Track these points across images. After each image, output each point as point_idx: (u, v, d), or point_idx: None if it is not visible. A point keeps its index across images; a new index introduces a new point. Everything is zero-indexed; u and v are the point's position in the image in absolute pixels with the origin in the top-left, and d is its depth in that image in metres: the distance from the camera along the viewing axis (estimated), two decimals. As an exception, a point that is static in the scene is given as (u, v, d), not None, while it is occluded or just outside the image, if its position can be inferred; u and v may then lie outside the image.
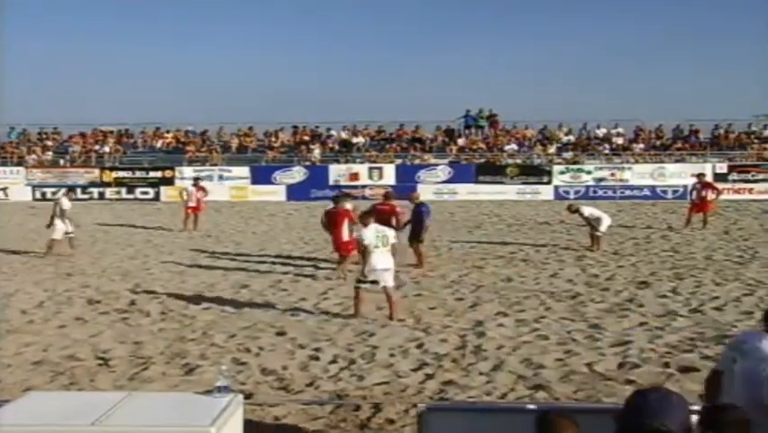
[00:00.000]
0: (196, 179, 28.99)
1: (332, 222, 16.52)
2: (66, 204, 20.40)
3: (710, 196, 24.40)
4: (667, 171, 35.60)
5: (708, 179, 26.47)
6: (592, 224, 20.05)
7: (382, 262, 12.38)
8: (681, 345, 10.62)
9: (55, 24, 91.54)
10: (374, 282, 12.44)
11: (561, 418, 3.80)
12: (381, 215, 16.83)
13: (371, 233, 12.47)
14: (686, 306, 13.17)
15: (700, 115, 49.84)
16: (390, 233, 12.84)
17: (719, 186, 27.59)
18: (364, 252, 12.40)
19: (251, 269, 17.51)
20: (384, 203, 17.42)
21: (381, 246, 12.41)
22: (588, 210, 20.53)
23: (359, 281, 12.57)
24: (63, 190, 23.23)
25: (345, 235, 16.19)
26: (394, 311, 12.46)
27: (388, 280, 12.46)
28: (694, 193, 24.80)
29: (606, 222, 20.01)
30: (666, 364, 9.76)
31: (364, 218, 13.01)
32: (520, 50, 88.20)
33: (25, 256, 19.59)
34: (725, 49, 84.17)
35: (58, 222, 19.99)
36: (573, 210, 20.77)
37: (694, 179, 26.09)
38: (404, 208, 17.74)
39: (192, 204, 25.78)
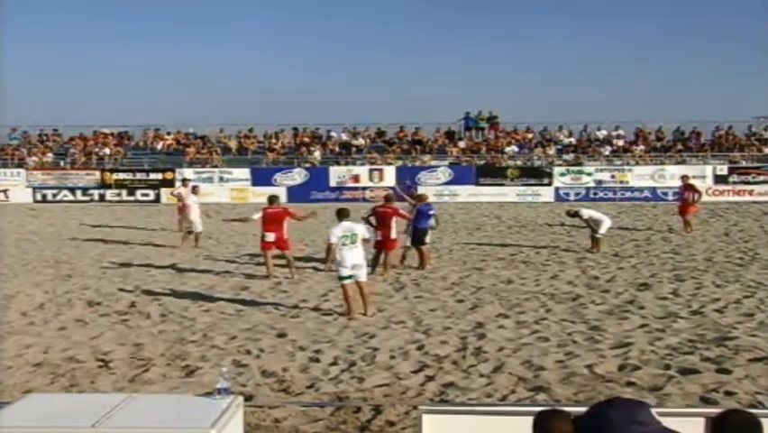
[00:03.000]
0: (185, 180, 29.30)
1: (276, 220, 16.69)
2: (193, 200, 21.99)
3: (691, 198, 24.25)
4: (668, 173, 35.58)
5: (693, 181, 26.30)
6: (592, 226, 20.06)
7: (353, 258, 12.73)
8: (682, 347, 10.61)
9: (55, 26, 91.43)
10: (350, 277, 12.75)
11: (560, 422, 3.77)
12: (384, 217, 16.90)
13: (339, 231, 12.80)
14: (687, 308, 13.17)
15: (701, 117, 49.81)
16: (361, 229, 13.21)
17: (702, 187, 27.76)
18: (328, 248, 12.90)
19: (251, 271, 17.50)
20: (385, 206, 17.42)
21: (350, 243, 12.74)
22: (587, 212, 20.55)
23: (341, 279, 12.87)
24: (190, 189, 24.11)
25: (286, 233, 16.88)
26: (368, 307, 12.92)
27: (361, 276, 12.85)
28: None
29: (606, 224, 20.02)
30: (667, 366, 9.76)
31: (341, 215, 13.22)
32: (520, 52, 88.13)
33: (24, 259, 19.59)
34: (725, 50, 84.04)
35: (194, 217, 21.66)
36: (572, 214, 20.80)
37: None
38: (404, 210, 17.77)
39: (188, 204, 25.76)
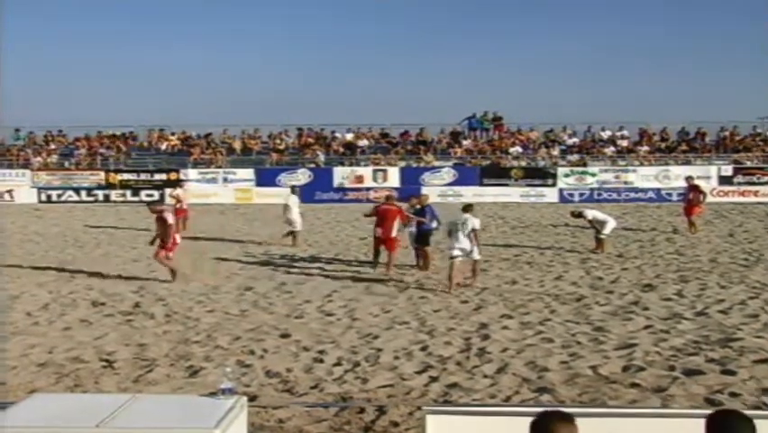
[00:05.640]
0: (181, 181, 29.46)
1: (162, 222, 16.56)
2: (293, 200, 22.42)
3: (695, 199, 24.08)
4: (672, 174, 35.49)
5: (698, 181, 26.18)
6: (596, 226, 20.05)
7: (460, 242, 15.09)
8: (687, 348, 10.61)
9: (60, 27, 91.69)
10: (459, 256, 15.09)
11: (562, 423, 3.72)
12: (386, 216, 16.92)
13: (455, 219, 15.55)
14: (691, 309, 13.15)
15: (706, 117, 49.71)
16: (471, 221, 15.33)
17: (707, 188, 27.80)
18: (450, 233, 15.54)
19: (255, 271, 17.51)
20: (387, 204, 17.52)
21: (460, 230, 15.13)
22: (591, 213, 20.53)
23: (451, 257, 15.11)
24: (290, 189, 24.73)
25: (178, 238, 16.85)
26: (475, 278, 15.58)
27: (468, 255, 15.24)
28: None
29: (610, 225, 19.99)
30: (671, 367, 9.75)
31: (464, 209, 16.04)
32: (524, 52, 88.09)
33: (29, 259, 19.61)
34: (730, 50, 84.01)
35: (294, 216, 21.97)
36: (576, 214, 20.78)
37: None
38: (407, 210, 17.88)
39: (185, 207, 25.88)
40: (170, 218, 16.57)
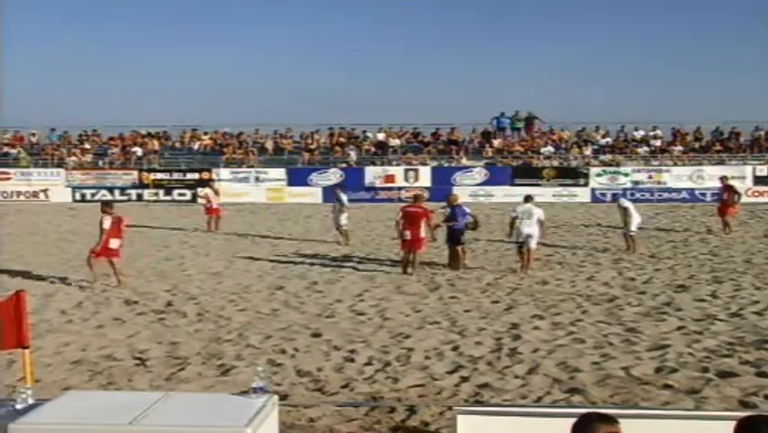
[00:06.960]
0: (210, 181, 29.67)
1: (120, 227, 16.42)
2: (344, 198, 22.97)
3: (730, 199, 23.82)
4: (706, 174, 35.09)
5: (732, 181, 25.81)
6: (625, 219, 19.91)
7: (526, 230, 16.74)
8: (720, 350, 10.49)
9: (95, 29, 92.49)
10: (523, 244, 16.79)
11: (603, 424, 3.67)
12: (414, 217, 16.88)
13: (519, 209, 17.22)
14: (725, 310, 13.01)
15: (740, 117, 49.00)
16: (537, 212, 17.01)
17: (741, 188, 27.50)
18: (510, 222, 17.23)
19: (286, 270, 17.58)
20: (415, 205, 17.49)
21: (526, 219, 16.78)
22: (626, 203, 20.60)
23: (519, 243, 16.96)
24: (339, 189, 24.92)
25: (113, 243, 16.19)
26: (528, 267, 16.79)
27: (530, 244, 16.85)
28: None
29: (635, 221, 19.83)
30: (705, 369, 9.65)
31: (525, 199, 17.77)
32: (556, 52, 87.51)
33: (63, 258, 19.81)
34: (764, 49, 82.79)
35: (341, 215, 22.38)
36: (613, 199, 20.79)
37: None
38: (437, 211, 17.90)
39: (215, 206, 26.08)
40: (106, 223, 16.13)
